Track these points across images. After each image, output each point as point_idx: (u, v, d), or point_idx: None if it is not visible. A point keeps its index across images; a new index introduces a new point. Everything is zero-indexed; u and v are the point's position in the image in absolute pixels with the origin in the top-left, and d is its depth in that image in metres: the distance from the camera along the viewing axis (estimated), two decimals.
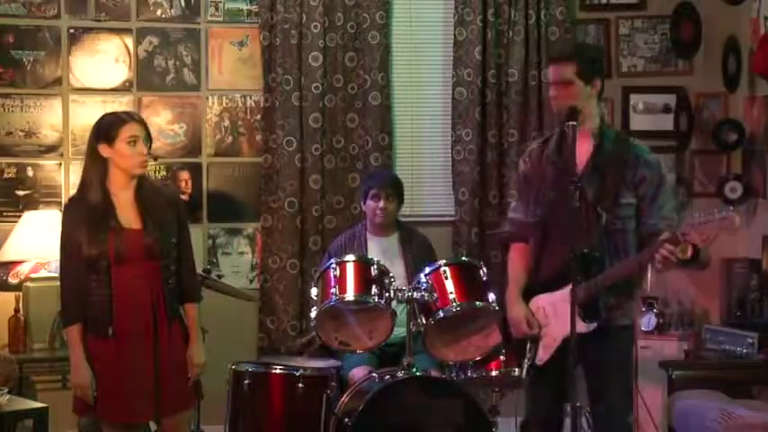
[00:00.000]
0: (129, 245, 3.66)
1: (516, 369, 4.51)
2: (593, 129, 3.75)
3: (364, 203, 4.96)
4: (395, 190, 4.93)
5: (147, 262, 3.69)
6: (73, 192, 5.27)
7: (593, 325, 3.61)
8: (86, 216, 3.65)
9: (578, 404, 3.48)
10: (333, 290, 4.26)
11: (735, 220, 3.35)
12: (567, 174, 3.65)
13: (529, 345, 3.92)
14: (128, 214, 3.70)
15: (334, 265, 4.33)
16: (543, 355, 3.82)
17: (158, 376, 3.69)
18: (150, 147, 3.75)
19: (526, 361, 3.91)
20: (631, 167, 3.68)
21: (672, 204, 3.71)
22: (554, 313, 3.75)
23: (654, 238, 3.57)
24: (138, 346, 3.67)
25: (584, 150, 3.72)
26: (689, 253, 3.43)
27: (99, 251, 3.62)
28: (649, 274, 3.78)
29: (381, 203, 4.88)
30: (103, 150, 3.67)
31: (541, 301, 3.81)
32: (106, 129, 3.69)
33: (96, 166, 3.68)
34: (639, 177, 3.67)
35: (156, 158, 3.91)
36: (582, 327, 3.56)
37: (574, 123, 3.57)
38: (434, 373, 4.41)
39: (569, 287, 3.51)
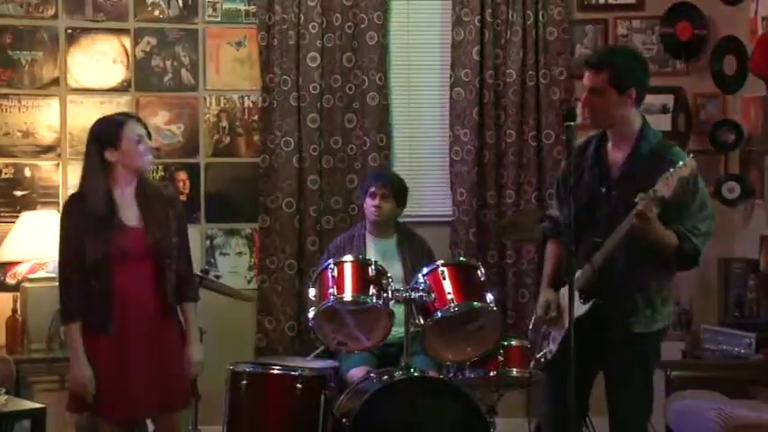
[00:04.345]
0: (131, 243, 3.68)
1: (514, 370, 4.53)
2: (630, 136, 3.68)
3: (364, 201, 4.96)
4: (392, 190, 4.92)
5: (148, 260, 3.71)
6: (71, 192, 5.32)
7: (587, 307, 3.59)
8: (88, 216, 3.65)
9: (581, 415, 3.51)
10: (331, 290, 4.26)
11: (690, 165, 3.41)
12: (602, 179, 3.66)
13: (543, 340, 3.95)
14: (130, 213, 3.72)
15: (331, 266, 4.33)
16: (554, 347, 3.87)
17: (158, 375, 3.70)
18: (151, 139, 3.82)
19: (538, 355, 3.96)
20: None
21: (701, 216, 3.58)
22: (565, 308, 3.78)
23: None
24: (138, 344, 3.69)
25: (619, 157, 3.69)
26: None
27: (103, 250, 3.63)
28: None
29: (377, 201, 4.87)
30: (110, 155, 3.68)
31: (562, 293, 3.86)
32: (109, 133, 3.70)
33: (100, 172, 3.69)
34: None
35: (158, 149, 3.94)
36: (580, 310, 3.57)
37: (571, 124, 3.53)
38: (432, 374, 4.40)
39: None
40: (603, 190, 3.68)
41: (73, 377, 3.65)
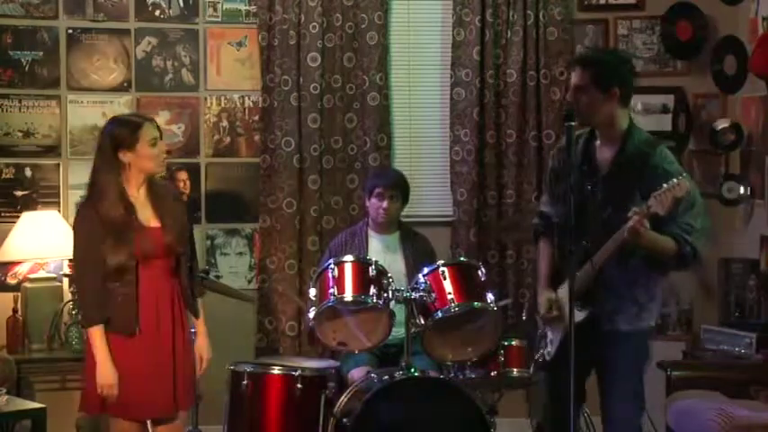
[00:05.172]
0: (152, 243, 3.69)
1: (515, 370, 4.53)
2: (617, 135, 3.74)
3: (368, 200, 4.95)
4: (400, 191, 4.92)
5: (167, 259, 3.74)
6: (72, 192, 5.34)
7: (583, 314, 3.63)
8: (106, 219, 3.64)
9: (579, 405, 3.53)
10: (331, 290, 4.26)
11: (684, 186, 3.48)
12: (589, 176, 3.68)
13: (539, 341, 3.98)
14: (145, 213, 3.74)
15: (332, 266, 4.34)
16: (551, 349, 3.90)
17: (175, 373, 3.75)
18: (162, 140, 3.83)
19: (537, 357, 4.01)
20: (649, 177, 3.63)
21: (692, 214, 3.62)
22: (565, 307, 3.81)
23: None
24: (161, 344, 3.71)
25: (606, 156, 3.75)
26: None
27: (127, 253, 3.63)
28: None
29: (385, 203, 4.87)
30: (123, 156, 3.68)
31: (560, 292, 3.89)
32: (125, 135, 3.70)
33: (114, 173, 3.68)
34: (656, 187, 3.59)
35: (169, 152, 3.96)
36: (577, 316, 3.58)
37: (571, 124, 3.57)
38: (433, 374, 4.41)
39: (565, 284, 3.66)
40: (589, 188, 3.70)
41: (100, 380, 3.63)
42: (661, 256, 3.66)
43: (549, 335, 3.93)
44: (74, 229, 3.78)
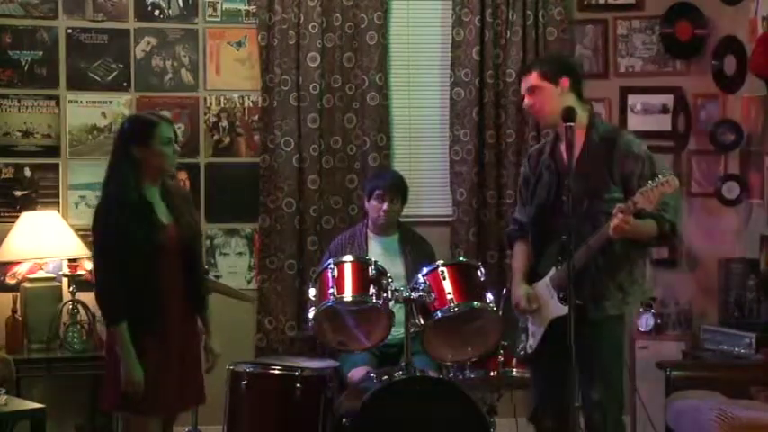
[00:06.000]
0: (169, 240, 3.72)
1: (514, 370, 4.54)
2: (580, 128, 3.80)
3: (368, 202, 4.95)
4: (400, 193, 4.93)
5: (181, 257, 3.76)
6: (71, 192, 5.35)
7: (567, 307, 3.64)
8: (129, 216, 3.65)
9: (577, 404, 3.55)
10: (331, 290, 4.26)
11: (673, 183, 3.54)
12: (561, 175, 3.72)
13: (520, 334, 4.01)
14: (161, 211, 3.75)
15: (332, 266, 4.34)
16: (533, 342, 3.93)
17: (190, 370, 3.79)
18: (178, 143, 3.85)
19: (519, 350, 4.06)
20: (619, 162, 3.75)
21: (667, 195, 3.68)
22: (545, 301, 3.87)
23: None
24: (175, 340, 3.73)
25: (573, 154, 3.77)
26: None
27: (147, 250, 3.65)
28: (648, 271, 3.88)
29: (385, 206, 4.87)
30: (136, 152, 3.70)
31: (537, 286, 3.94)
32: (139, 131, 3.73)
33: (132, 168, 3.70)
34: (628, 171, 3.74)
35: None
36: (559, 310, 3.70)
37: (571, 125, 3.58)
38: (432, 374, 4.41)
39: (543, 278, 3.81)
40: (565, 185, 3.73)
41: (127, 376, 3.63)
42: (644, 241, 3.74)
43: (531, 327, 3.96)
44: (93, 229, 3.77)
